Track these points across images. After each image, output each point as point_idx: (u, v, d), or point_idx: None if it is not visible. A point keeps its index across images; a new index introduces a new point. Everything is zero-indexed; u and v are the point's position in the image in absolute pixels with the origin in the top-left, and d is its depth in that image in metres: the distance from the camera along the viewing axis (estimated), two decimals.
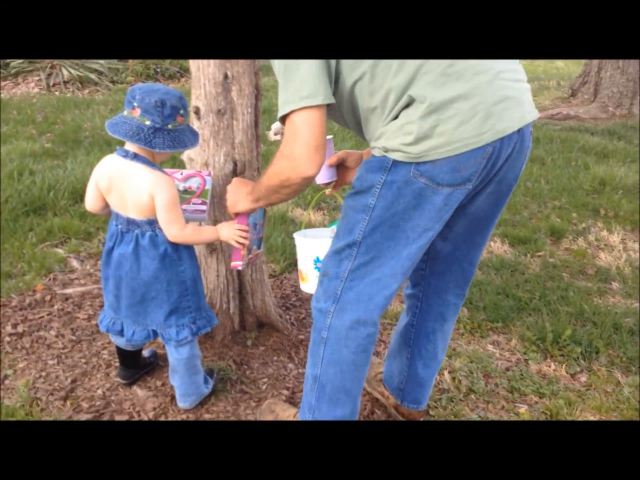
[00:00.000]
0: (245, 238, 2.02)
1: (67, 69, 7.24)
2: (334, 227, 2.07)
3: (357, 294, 1.67)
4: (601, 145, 5.51)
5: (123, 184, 1.93)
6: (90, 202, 2.05)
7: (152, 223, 1.96)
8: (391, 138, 1.54)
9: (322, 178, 1.99)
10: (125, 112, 1.87)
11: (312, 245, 1.99)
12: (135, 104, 1.84)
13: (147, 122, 1.83)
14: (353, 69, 1.53)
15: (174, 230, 1.95)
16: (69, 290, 2.93)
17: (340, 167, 2.02)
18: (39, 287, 2.94)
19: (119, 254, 2.01)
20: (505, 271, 3.45)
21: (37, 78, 7.18)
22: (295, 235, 2.07)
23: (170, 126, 1.86)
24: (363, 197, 1.61)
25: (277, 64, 1.55)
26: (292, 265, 3.41)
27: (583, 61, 8.25)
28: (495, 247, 3.72)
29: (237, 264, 2.04)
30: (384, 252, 1.63)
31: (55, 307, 2.80)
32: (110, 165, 1.97)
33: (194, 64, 2.21)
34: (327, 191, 2.08)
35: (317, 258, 1.96)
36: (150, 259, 1.98)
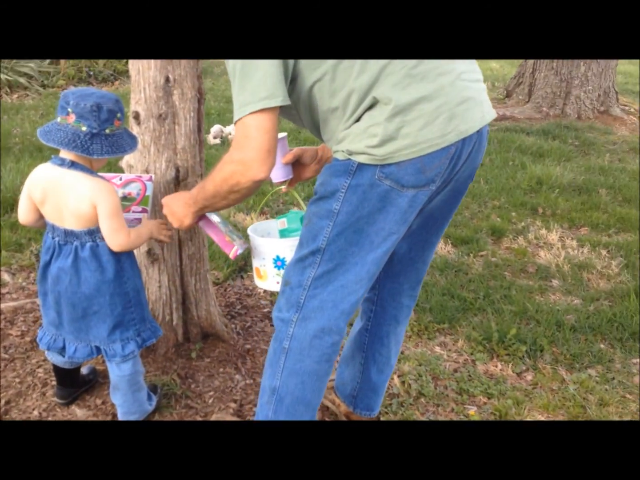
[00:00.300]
0: (169, 230, 2.04)
1: None
2: (283, 220, 2.06)
3: (321, 302, 1.64)
4: (537, 145, 5.65)
5: (59, 193, 1.84)
6: (24, 215, 1.95)
7: (93, 233, 1.87)
8: (355, 141, 1.52)
9: (277, 176, 1.95)
10: (58, 119, 1.78)
11: (273, 245, 1.96)
12: (69, 110, 1.75)
13: (84, 128, 1.75)
14: (313, 69, 1.51)
15: (120, 238, 1.87)
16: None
17: (296, 164, 1.98)
18: None
19: (57, 268, 1.90)
20: (450, 272, 3.47)
21: None
22: (249, 232, 2.03)
23: (107, 131, 1.78)
24: (327, 203, 1.59)
25: (232, 63, 1.50)
26: (236, 272, 3.33)
27: (518, 62, 8.48)
28: (439, 247, 3.74)
29: (235, 249, 1.92)
30: (348, 258, 1.61)
31: None
32: (44, 175, 1.87)
33: (133, 67, 2.12)
34: (283, 188, 2.04)
35: (277, 256, 1.94)
36: (92, 272, 1.89)
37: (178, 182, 2.27)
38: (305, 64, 1.51)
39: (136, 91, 2.15)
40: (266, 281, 2.00)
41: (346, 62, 1.49)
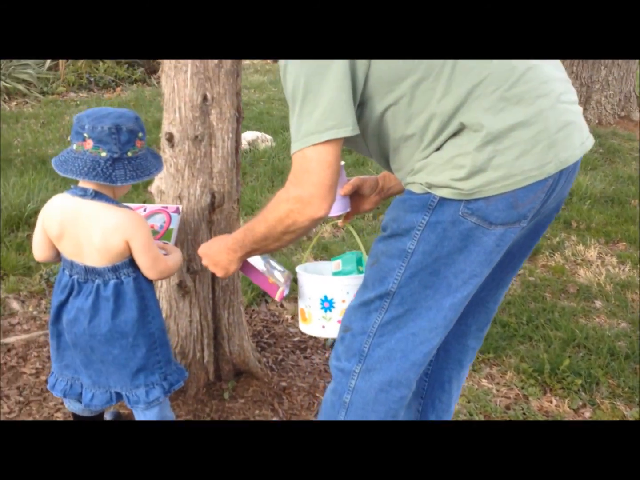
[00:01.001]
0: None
1: None
2: (338, 262, 1.87)
3: (388, 351, 1.48)
4: None
5: (80, 227, 1.65)
6: (39, 251, 1.77)
7: (117, 269, 1.67)
8: (436, 172, 1.36)
9: (333, 210, 1.75)
10: (74, 146, 1.60)
11: (321, 283, 1.77)
12: (85, 135, 1.57)
13: (103, 154, 1.57)
14: (387, 92, 1.36)
15: (161, 266, 1.73)
16: (10, 339, 2.54)
17: (354, 195, 1.81)
18: None
19: (76, 309, 1.71)
20: None
21: None
22: (297, 269, 1.85)
23: (129, 154, 1.61)
24: (399, 241, 1.43)
25: (293, 85, 1.34)
26: (261, 295, 3.12)
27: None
28: None
29: (280, 290, 1.74)
30: (422, 302, 1.45)
31: None
32: (62, 207, 1.68)
33: (167, 85, 1.91)
34: (340, 222, 1.85)
35: (325, 297, 1.75)
36: (114, 311, 1.69)
37: (213, 209, 2.06)
38: (377, 87, 1.36)
39: (170, 111, 1.94)
40: (310, 325, 1.80)
41: (427, 84, 1.34)
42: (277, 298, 1.74)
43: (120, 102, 6.76)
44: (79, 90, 7.21)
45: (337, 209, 1.76)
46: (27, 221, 3.59)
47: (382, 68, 1.34)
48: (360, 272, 1.85)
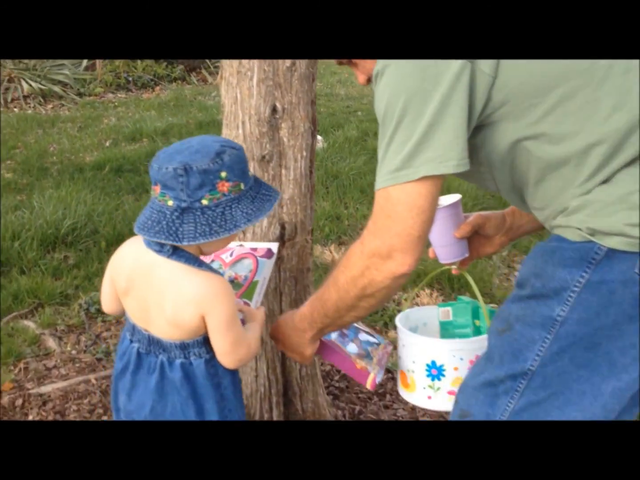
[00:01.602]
0: None
1: (27, 81, 6.42)
2: (448, 309, 1.55)
3: None
4: None
5: (150, 289, 1.29)
6: (107, 303, 1.44)
7: (186, 348, 1.30)
8: (603, 213, 1.07)
9: (448, 256, 1.45)
10: (151, 192, 1.25)
11: (428, 345, 1.44)
12: (156, 178, 1.22)
13: (170, 202, 1.20)
14: (524, 108, 1.07)
15: (240, 353, 1.31)
16: (46, 388, 2.21)
17: (474, 235, 1.48)
18: (6, 385, 2.22)
19: (139, 391, 1.34)
20: None
21: None
22: (397, 322, 1.50)
23: (205, 201, 1.20)
24: (544, 305, 1.11)
25: (388, 104, 1.07)
26: None
27: None
28: None
29: (372, 378, 1.40)
30: (572, 385, 1.12)
31: (30, 416, 2.08)
32: (134, 258, 1.32)
33: (228, 95, 1.55)
34: (454, 270, 1.49)
35: (433, 362, 1.43)
36: (183, 400, 1.31)
37: (283, 243, 1.69)
38: (509, 104, 1.07)
39: (232, 126, 1.57)
40: (413, 393, 1.49)
41: (585, 95, 1.05)
42: (369, 386, 1.41)
43: (160, 102, 6.47)
44: (117, 90, 6.93)
45: (452, 254, 1.43)
46: (63, 240, 3.28)
47: (516, 77, 1.06)
48: (477, 327, 1.49)
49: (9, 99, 6.32)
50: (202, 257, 1.32)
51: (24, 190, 4.08)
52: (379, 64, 1.09)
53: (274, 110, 1.54)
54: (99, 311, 2.70)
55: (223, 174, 1.20)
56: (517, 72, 1.06)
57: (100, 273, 3.05)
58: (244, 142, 1.56)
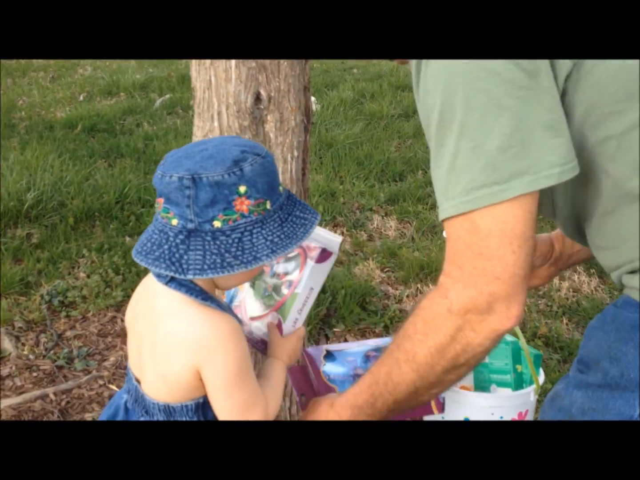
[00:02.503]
0: None
1: None
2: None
3: None
4: None
5: (147, 327, 1.01)
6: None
7: (171, 414, 1.01)
8: None
9: None
10: (156, 205, 0.96)
11: (460, 397, 1.22)
12: (159, 189, 0.93)
13: (174, 222, 0.91)
14: (605, 115, 0.81)
15: (253, 418, 0.99)
16: None
17: None
18: None
19: None
20: None
21: None
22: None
23: (217, 223, 0.90)
24: (621, 399, 0.85)
25: (444, 101, 0.79)
26: None
27: None
28: None
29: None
30: None
31: None
32: (142, 288, 1.07)
33: (200, 78, 1.21)
34: None
35: (466, 420, 1.22)
36: None
37: None
38: (585, 110, 0.81)
39: (204, 117, 1.24)
40: None
41: None
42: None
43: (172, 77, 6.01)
44: None
45: None
46: (27, 215, 2.95)
47: (600, 75, 0.80)
48: (518, 374, 1.25)
49: None
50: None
51: None
52: None
53: (257, 98, 1.21)
54: (63, 303, 2.40)
55: (242, 189, 0.89)
56: (600, 68, 0.80)
57: (66, 255, 2.74)
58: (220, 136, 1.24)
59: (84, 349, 2.19)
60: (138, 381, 1.04)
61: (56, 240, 2.80)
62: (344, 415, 0.97)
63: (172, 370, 0.96)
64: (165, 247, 0.90)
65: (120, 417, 1.08)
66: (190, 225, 0.89)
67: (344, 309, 2.37)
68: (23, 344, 2.21)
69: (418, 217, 3.11)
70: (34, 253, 2.70)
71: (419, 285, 2.51)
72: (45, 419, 1.87)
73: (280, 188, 0.96)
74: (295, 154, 1.30)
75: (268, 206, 0.92)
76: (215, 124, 1.23)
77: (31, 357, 2.15)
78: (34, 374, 2.07)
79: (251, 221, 0.90)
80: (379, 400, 0.93)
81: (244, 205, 0.90)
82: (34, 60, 5.76)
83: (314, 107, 4.25)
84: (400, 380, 0.91)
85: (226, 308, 1.01)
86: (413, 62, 0.85)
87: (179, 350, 0.94)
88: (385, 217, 3.14)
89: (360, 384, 0.97)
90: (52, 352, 2.15)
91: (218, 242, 0.89)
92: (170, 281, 0.93)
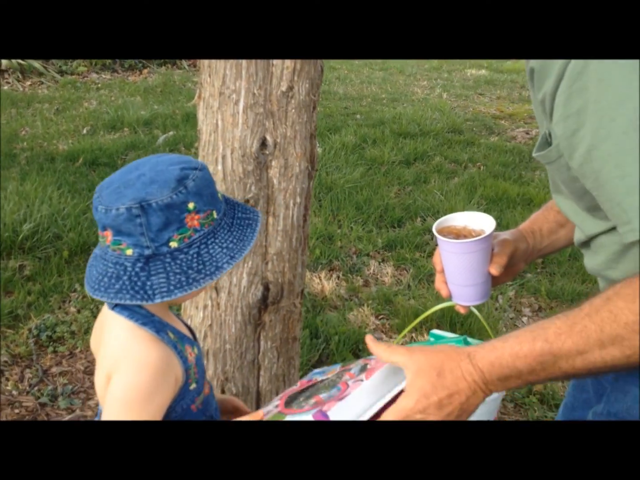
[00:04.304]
0: None
1: None
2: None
3: None
4: None
5: (97, 348, 1.05)
6: None
7: None
8: None
9: (477, 296, 1.09)
10: (100, 239, 0.96)
11: None
12: (105, 223, 0.92)
13: (129, 251, 0.92)
14: None
15: None
16: None
17: None
18: None
19: None
20: None
21: None
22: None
23: (174, 243, 0.91)
24: None
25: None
26: None
27: None
28: None
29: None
30: None
31: None
32: (102, 313, 1.08)
33: (207, 121, 1.21)
34: (461, 309, 1.13)
35: None
36: None
37: (265, 307, 1.35)
38: None
39: (209, 159, 1.23)
40: None
41: None
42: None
43: (147, 87, 6.07)
44: (102, 71, 6.51)
45: (482, 294, 1.09)
46: (21, 246, 2.91)
47: None
48: None
49: None
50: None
51: None
52: None
53: (263, 144, 1.20)
54: (51, 338, 2.35)
55: (191, 205, 0.91)
56: None
57: (58, 288, 2.70)
58: (223, 181, 1.22)
59: (69, 386, 2.13)
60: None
61: (49, 273, 2.76)
62: (486, 372, 0.84)
63: (100, 383, 0.97)
64: (125, 277, 0.90)
65: None
66: (147, 252, 0.90)
67: (337, 356, 2.33)
68: (7, 379, 2.15)
69: (415, 265, 3.09)
70: (26, 285, 2.66)
71: (413, 335, 2.47)
72: None
73: (219, 195, 0.98)
74: (298, 200, 1.28)
75: (215, 216, 0.94)
76: (219, 167, 1.22)
77: (14, 392, 2.09)
78: (16, 411, 2.01)
79: (204, 234, 0.93)
80: (546, 371, 0.82)
81: (194, 220, 0.92)
82: (39, 91, 5.81)
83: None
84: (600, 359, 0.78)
85: (166, 338, 0.97)
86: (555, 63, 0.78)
87: (105, 363, 0.96)
88: (382, 263, 3.11)
89: (522, 347, 0.82)
90: (36, 388, 2.09)
91: (178, 261, 0.91)
92: (116, 306, 0.95)
